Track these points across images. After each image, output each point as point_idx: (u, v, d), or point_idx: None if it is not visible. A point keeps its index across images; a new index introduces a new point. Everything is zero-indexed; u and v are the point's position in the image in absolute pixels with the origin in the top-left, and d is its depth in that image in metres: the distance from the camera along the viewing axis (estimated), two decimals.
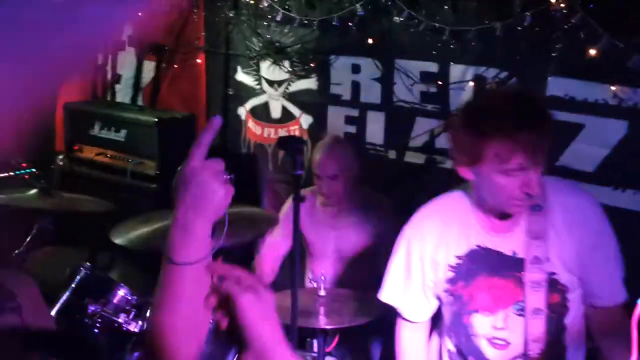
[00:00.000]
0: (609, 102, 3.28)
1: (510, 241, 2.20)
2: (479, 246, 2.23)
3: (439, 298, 2.40)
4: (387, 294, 2.48)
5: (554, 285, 2.18)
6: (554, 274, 2.18)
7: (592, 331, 2.30)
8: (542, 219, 2.15)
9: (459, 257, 2.26)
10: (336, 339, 3.10)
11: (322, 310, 2.92)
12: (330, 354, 3.06)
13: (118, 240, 2.87)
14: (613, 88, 3.24)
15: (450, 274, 2.29)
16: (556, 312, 2.20)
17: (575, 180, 3.28)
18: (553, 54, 3.34)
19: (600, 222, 2.18)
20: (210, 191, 1.38)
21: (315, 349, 2.96)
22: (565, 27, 3.26)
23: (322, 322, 2.87)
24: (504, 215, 2.20)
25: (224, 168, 1.44)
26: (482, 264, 2.23)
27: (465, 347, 2.33)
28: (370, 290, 3.43)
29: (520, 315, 2.20)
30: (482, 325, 2.27)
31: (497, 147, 2.02)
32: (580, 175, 3.34)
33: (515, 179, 2.05)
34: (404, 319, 2.48)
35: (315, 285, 3.06)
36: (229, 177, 1.45)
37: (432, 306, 2.44)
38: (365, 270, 3.50)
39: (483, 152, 2.05)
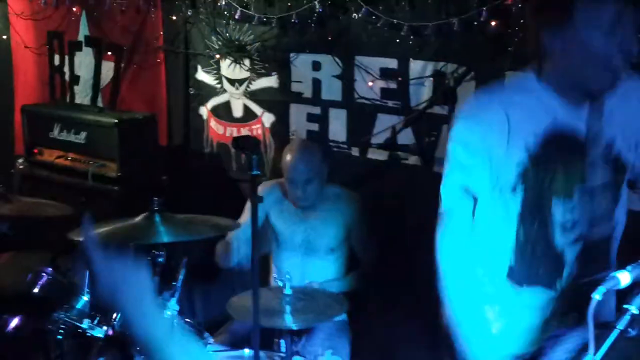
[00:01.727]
0: None
1: (581, 117, 2.10)
2: (556, 124, 2.09)
3: (507, 187, 2.16)
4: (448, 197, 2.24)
5: (617, 163, 2.14)
6: (619, 152, 2.14)
7: None
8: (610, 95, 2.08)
9: (537, 137, 2.09)
10: (303, 338, 3.11)
11: (287, 309, 2.92)
12: (298, 353, 3.07)
13: (78, 239, 2.82)
14: None
15: (525, 157, 2.11)
16: (614, 193, 2.17)
17: None
18: (510, 48, 3.37)
19: None
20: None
21: (283, 349, 2.96)
22: (522, 21, 3.29)
23: (289, 322, 2.87)
24: (586, 94, 2.08)
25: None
26: (560, 144, 2.09)
27: (535, 236, 2.18)
28: (337, 285, 3.48)
29: (588, 194, 2.13)
30: (558, 210, 2.14)
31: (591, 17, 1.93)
32: None
33: (612, 37, 1.93)
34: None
35: (281, 282, 3.06)
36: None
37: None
38: (334, 263, 3.54)
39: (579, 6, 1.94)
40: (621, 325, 1.41)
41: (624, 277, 1.41)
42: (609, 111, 2.10)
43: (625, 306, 1.42)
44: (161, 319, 1.40)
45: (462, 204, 2.22)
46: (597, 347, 1.39)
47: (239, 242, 3.48)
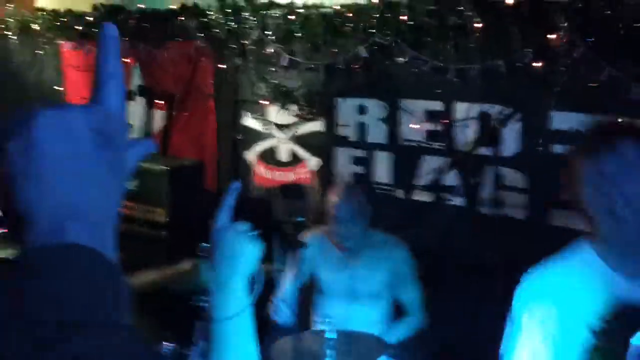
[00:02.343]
0: None
1: None
2: (624, 302, 1.90)
3: None
4: None
5: None
6: None
7: None
8: None
9: (603, 318, 1.88)
10: None
11: (329, 352, 2.89)
12: None
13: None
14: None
15: (593, 341, 1.89)
16: None
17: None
18: (555, 89, 3.35)
19: None
20: (239, 250, 1.53)
21: None
22: (567, 61, 3.27)
23: None
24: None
25: (248, 227, 1.60)
26: (632, 323, 1.87)
27: None
28: (379, 331, 3.43)
29: None
30: None
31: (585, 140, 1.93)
32: None
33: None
34: None
35: (324, 327, 3.03)
36: (255, 234, 1.60)
37: None
38: (377, 311, 3.49)
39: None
40: None
41: None
42: None
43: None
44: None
45: None
46: None
47: (292, 294, 3.51)
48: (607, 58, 3.15)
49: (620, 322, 1.86)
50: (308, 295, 3.59)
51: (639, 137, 1.87)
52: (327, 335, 2.96)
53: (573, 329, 1.88)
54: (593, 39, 3.19)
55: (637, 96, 3.06)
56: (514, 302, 1.97)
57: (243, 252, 1.54)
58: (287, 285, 3.52)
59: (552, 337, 1.90)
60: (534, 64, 3.43)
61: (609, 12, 3.12)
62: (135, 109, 5.46)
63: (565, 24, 3.24)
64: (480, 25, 3.55)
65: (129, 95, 5.43)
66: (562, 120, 3.43)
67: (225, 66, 4.93)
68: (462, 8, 3.59)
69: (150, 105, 5.29)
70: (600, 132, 1.94)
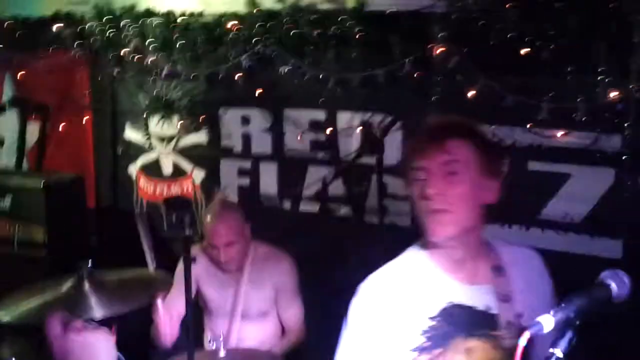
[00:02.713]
0: None
1: (481, 295, 1.99)
2: (451, 303, 1.98)
3: None
4: None
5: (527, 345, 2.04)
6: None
7: None
8: (506, 280, 2.00)
9: (431, 319, 1.97)
10: None
11: None
12: None
13: (5, 318, 2.71)
14: (491, 127, 3.37)
15: (423, 341, 1.97)
16: None
17: None
18: (433, 97, 3.45)
19: (547, 272, 2.11)
20: (89, 346, 1.33)
21: None
22: (443, 71, 3.37)
23: None
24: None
25: (82, 321, 1.38)
26: (458, 324, 1.97)
27: None
28: (270, 347, 3.41)
29: None
30: None
31: (411, 155, 1.99)
32: None
33: (418, 184, 1.95)
34: None
35: (214, 346, 2.99)
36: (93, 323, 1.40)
37: None
38: (266, 328, 3.46)
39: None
40: None
41: (548, 322, 1.43)
42: (517, 285, 2.01)
43: (550, 350, 1.44)
44: None
45: None
46: None
47: (172, 321, 3.41)
48: (482, 68, 3.27)
49: (446, 322, 1.96)
50: (198, 313, 3.53)
51: (468, 136, 1.97)
52: (219, 354, 2.92)
53: (403, 331, 1.96)
54: (468, 49, 3.30)
55: (511, 104, 3.19)
56: (350, 308, 2.04)
57: (94, 347, 1.33)
58: (174, 303, 3.44)
59: (381, 339, 1.96)
60: (413, 73, 3.51)
61: (483, 22, 3.24)
62: (9, 122, 5.20)
63: (442, 35, 3.34)
64: (360, 34, 3.60)
65: (1, 108, 5.17)
66: None
67: (102, 76, 4.79)
68: (343, 18, 3.64)
69: (24, 117, 5.05)
70: (428, 132, 2.01)
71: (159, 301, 3.29)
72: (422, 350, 1.96)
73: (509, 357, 1.90)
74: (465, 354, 1.95)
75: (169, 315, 3.37)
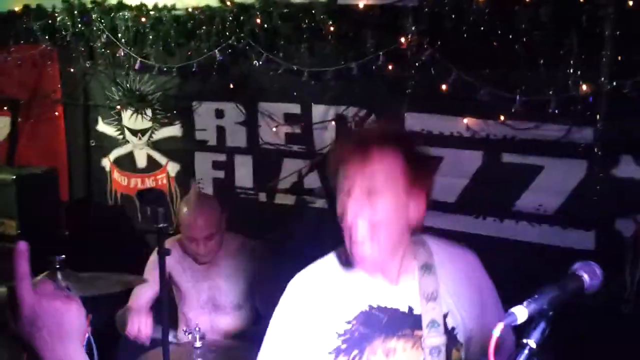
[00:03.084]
0: (463, 134, 3.43)
1: (404, 295, 1.98)
2: (370, 305, 1.97)
3: None
4: None
5: (453, 344, 2.01)
6: (453, 331, 2.00)
7: None
8: (434, 278, 1.99)
9: (348, 322, 1.96)
10: None
11: None
12: None
13: None
14: (466, 121, 3.40)
15: (339, 344, 1.96)
16: None
17: (439, 211, 3.40)
18: (408, 91, 3.46)
19: (482, 271, 2.09)
20: (59, 315, 1.27)
21: None
22: (417, 64, 3.39)
23: None
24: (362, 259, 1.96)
25: (55, 286, 1.32)
26: (376, 326, 1.96)
27: None
28: (245, 339, 3.41)
29: None
30: None
31: (343, 165, 1.92)
32: (443, 206, 3.45)
33: (346, 195, 1.89)
34: None
35: (189, 337, 2.98)
36: (66, 290, 1.34)
37: None
38: (241, 319, 3.46)
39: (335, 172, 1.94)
40: (522, 358, 1.43)
41: (521, 313, 1.44)
42: (446, 284, 2.00)
43: (523, 340, 1.45)
44: None
45: None
46: None
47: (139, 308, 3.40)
48: (455, 61, 3.29)
49: (363, 325, 1.95)
50: (173, 305, 3.52)
51: (396, 144, 1.91)
52: (194, 344, 2.92)
53: (322, 335, 1.95)
54: (441, 43, 3.32)
55: (484, 98, 3.21)
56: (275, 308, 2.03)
57: (63, 315, 1.26)
58: (146, 294, 3.43)
59: (301, 340, 1.96)
60: (386, 67, 3.52)
61: (454, 16, 3.26)
62: None
63: (415, 28, 3.35)
64: (333, 28, 3.61)
65: None
66: (415, 121, 3.55)
67: (73, 70, 4.74)
68: (315, 11, 3.63)
69: None
70: (348, 150, 1.93)
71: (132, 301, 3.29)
72: (338, 352, 1.95)
73: (434, 356, 1.95)
74: (384, 355, 1.95)
75: (137, 303, 3.36)
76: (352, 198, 1.88)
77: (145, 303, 3.39)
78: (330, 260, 2.06)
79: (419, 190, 1.92)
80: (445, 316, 1.98)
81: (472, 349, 2.03)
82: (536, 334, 1.46)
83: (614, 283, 2.99)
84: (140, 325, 3.13)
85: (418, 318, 1.96)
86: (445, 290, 1.99)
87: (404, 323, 1.95)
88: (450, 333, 1.99)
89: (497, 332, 1.44)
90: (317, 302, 1.97)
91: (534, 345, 1.44)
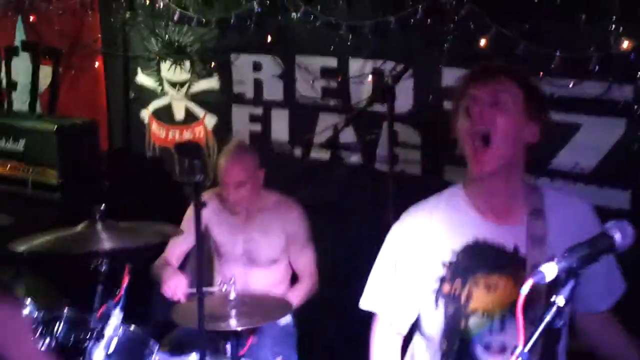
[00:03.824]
0: None
1: (512, 235, 2.04)
2: (477, 239, 2.06)
3: (429, 302, 2.11)
4: (370, 300, 2.22)
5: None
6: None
7: (590, 337, 2.17)
8: (542, 223, 2.04)
9: (454, 252, 2.07)
10: (250, 340, 3.11)
11: (233, 313, 2.92)
12: (243, 356, 3.08)
13: (21, 248, 2.78)
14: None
15: (444, 272, 2.07)
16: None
17: None
18: (445, 45, 3.43)
19: (595, 226, 2.06)
20: None
21: (229, 352, 2.96)
22: (455, 18, 3.35)
23: (234, 325, 2.88)
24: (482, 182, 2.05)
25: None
26: (481, 260, 2.04)
27: (457, 355, 2.09)
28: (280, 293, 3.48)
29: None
30: (479, 328, 2.06)
31: (463, 86, 2.05)
32: None
33: (467, 112, 2.00)
34: (385, 326, 2.23)
35: (225, 288, 3.06)
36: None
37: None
38: (275, 273, 3.52)
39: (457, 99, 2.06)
40: (549, 317, 1.45)
41: (550, 270, 1.46)
42: (554, 230, 2.03)
43: (552, 299, 1.46)
44: None
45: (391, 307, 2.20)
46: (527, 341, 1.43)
47: (176, 259, 3.49)
48: (494, 16, 3.24)
49: (467, 256, 2.05)
50: (208, 257, 3.59)
51: (517, 78, 2.02)
52: (229, 296, 2.99)
53: (428, 263, 2.08)
54: None
55: (523, 53, 3.17)
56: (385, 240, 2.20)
57: None
58: (181, 247, 3.51)
59: (407, 267, 2.12)
60: (425, 21, 3.48)
61: None
62: (20, 66, 5.21)
63: None
64: None
65: (13, 51, 5.17)
66: (452, 76, 3.51)
67: (113, 20, 4.78)
68: None
69: (36, 61, 5.06)
70: (474, 73, 2.07)
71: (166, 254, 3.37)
72: (442, 280, 2.07)
73: (536, 300, 1.91)
74: (485, 289, 2.04)
75: (172, 252, 3.45)
76: (475, 109, 1.98)
77: (181, 255, 3.47)
78: (443, 196, 2.17)
79: (534, 120, 2.03)
80: (550, 259, 1.98)
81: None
82: (565, 292, 1.47)
83: None
84: (176, 286, 3.23)
85: (522, 259, 2.02)
86: (552, 236, 2.03)
87: (508, 261, 2.03)
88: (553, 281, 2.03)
89: (525, 289, 1.47)
90: (427, 232, 2.10)
91: (562, 303, 1.46)
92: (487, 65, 2.14)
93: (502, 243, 2.04)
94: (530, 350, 1.43)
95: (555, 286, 1.51)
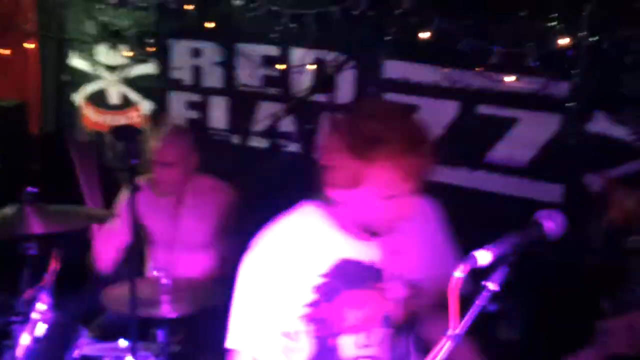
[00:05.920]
0: (440, 84, 3.42)
1: (370, 248, 2.00)
2: (341, 259, 1.99)
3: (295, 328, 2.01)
4: (237, 339, 1.99)
5: (412, 295, 2.04)
6: (412, 283, 2.05)
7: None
8: (397, 234, 1.99)
9: (321, 276, 1.97)
10: None
11: (165, 298, 2.86)
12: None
13: None
14: (445, 70, 3.38)
15: (312, 297, 1.98)
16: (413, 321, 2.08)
17: None
18: (387, 38, 3.43)
19: (441, 219, 2.11)
20: None
21: (161, 338, 2.90)
22: (398, 11, 3.35)
23: (166, 311, 2.82)
24: (370, 234, 1.98)
25: None
26: (346, 278, 1.99)
27: None
28: (213, 278, 3.43)
29: (382, 325, 2.04)
30: (348, 345, 2.03)
31: (386, 174, 1.83)
32: None
33: (394, 203, 1.87)
34: None
35: (157, 274, 2.99)
36: None
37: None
38: (208, 259, 3.47)
39: (367, 178, 1.84)
40: (482, 301, 1.45)
41: (483, 256, 1.46)
42: (409, 239, 2.01)
43: (484, 283, 1.47)
44: None
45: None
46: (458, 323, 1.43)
47: (114, 251, 3.41)
48: (436, 9, 3.26)
49: (335, 278, 1.97)
50: (140, 242, 3.51)
51: None
52: (161, 281, 2.92)
53: (296, 290, 1.95)
54: None
55: (463, 48, 3.19)
56: (241, 267, 1.99)
57: None
58: (115, 231, 3.43)
59: (274, 297, 1.95)
60: (368, 12, 3.48)
61: None
62: None
63: None
64: None
65: None
66: (393, 68, 3.53)
67: (49, 2, 4.64)
68: None
69: None
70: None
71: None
72: (312, 305, 1.97)
73: (396, 307, 2.00)
74: (351, 305, 1.99)
75: (109, 243, 3.37)
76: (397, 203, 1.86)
77: (122, 245, 3.38)
78: (298, 215, 2.02)
79: None
80: (407, 269, 2.01)
81: (425, 296, 2.06)
82: (496, 277, 1.48)
83: (578, 237, 3.03)
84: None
85: (379, 271, 1.99)
86: (408, 245, 2.00)
87: (368, 276, 1.99)
88: (413, 286, 2.03)
89: (458, 273, 1.46)
90: (288, 258, 1.96)
91: (492, 288, 1.46)
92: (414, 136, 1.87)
93: (362, 258, 2.00)
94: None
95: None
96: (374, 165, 1.81)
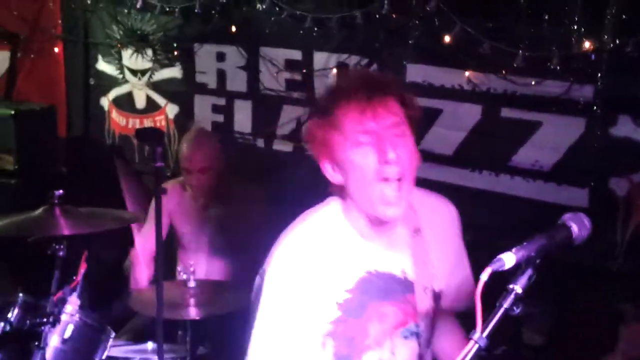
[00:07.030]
0: (464, 88, 3.42)
1: (399, 260, 1.92)
2: (369, 272, 1.89)
3: (316, 344, 1.90)
4: (259, 355, 1.88)
5: (438, 307, 2.01)
6: (439, 294, 2.00)
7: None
8: (422, 241, 1.94)
9: (348, 291, 1.88)
10: None
11: (192, 301, 2.90)
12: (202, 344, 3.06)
13: None
14: (467, 74, 3.38)
15: (338, 313, 1.88)
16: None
17: (436, 163, 3.42)
18: (410, 41, 3.44)
19: (459, 227, 2.05)
20: None
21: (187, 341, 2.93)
22: (421, 15, 3.36)
23: (192, 313, 2.85)
24: (380, 223, 1.87)
25: None
26: (373, 292, 1.89)
27: None
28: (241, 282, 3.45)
29: (408, 338, 1.96)
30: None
31: (351, 115, 1.77)
32: (440, 159, 3.47)
33: (370, 149, 1.77)
34: None
35: (184, 277, 3.03)
36: None
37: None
38: (238, 262, 3.49)
39: (339, 127, 1.78)
40: (506, 304, 1.46)
41: (509, 259, 1.46)
42: (432, 246, 1.95)
43: (510, 286, 1.47)
44: None
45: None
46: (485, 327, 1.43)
47: (149, 254, 3.44)
48: (459, 13, 3.26)
49: (361, 292, 1.88)
50: (170, 247, 3.55)
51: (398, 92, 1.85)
52: (188, 284, 2.96)
53: (320, 304, 1.86)
54: None
55: (486, 51, 3.19)
56: (264, 277, 1.90)
57: None
58: (146, 238, 3.46)
59: (298, 312, 1.86)
60: (390, 16, 3.49)
61: None
62: None
63: None
64: None
65: None
66: (416, 72, 3.54)
67: (74, 6, 4.70)
68: None
69: None
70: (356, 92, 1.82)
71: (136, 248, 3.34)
72: (337, 322, 1.88)
73: (423, 319, 1.94)
74: (378, 320, 1.91)
75: (145, 248, 3.41)
76: (380, 145, 1.76)
77: (149, 252, 3.41)
78: (321, 221, 1.91)
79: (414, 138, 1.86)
80: (433, 279, 1.96)
81: (444, 301, 2.03)
82: (522, 279, 1.48)
83: (604, 241, 3.02)
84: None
85: (411, 283, 1.93)
86: (432, 252, 1.96)
87: (398, 288, 1.92)
88: (437, 296, 2.00)
89: (484, 276, 1.47)
90: (312, 271, 1.85)
91: (519, 290, 1.46)
92: (365, 78, 1.89)
93: (391, 270, 1.91)
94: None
95: None
96: (339, 114, 1.78)
